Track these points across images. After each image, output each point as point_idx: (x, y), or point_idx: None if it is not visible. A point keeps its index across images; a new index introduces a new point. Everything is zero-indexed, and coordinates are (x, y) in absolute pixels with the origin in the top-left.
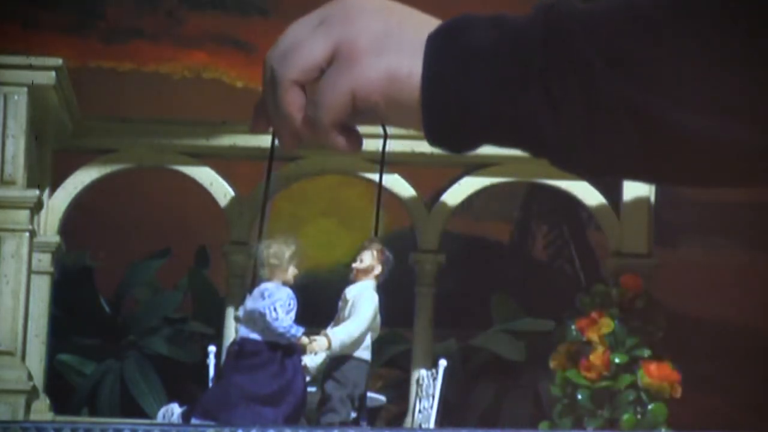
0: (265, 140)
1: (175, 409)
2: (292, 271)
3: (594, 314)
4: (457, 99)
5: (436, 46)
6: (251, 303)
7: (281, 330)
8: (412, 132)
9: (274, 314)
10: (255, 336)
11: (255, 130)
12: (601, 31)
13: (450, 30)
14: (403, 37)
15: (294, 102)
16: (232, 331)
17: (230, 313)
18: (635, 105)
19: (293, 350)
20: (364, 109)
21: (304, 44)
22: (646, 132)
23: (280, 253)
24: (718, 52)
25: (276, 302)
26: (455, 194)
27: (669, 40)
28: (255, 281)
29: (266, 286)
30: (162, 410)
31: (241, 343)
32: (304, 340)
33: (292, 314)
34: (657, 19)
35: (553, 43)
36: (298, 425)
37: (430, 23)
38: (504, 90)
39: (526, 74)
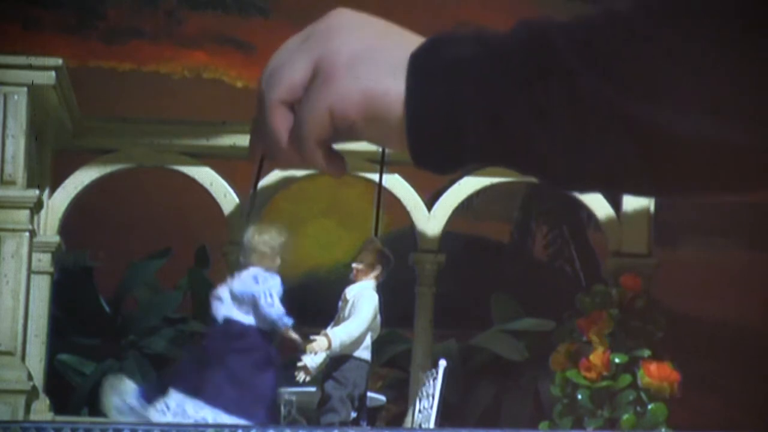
0: None
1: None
2: (277, 261)
3: (594, 314)
4: (442, 114)
5: (419, 63)
6: (240, 285)
7: (274, 317)
8: None
9: (269, 300)
10: (241, 319)
11: (252, 155)
12: (584, 40)
13: (433, 46)
14: (383, 55)
15: (280, 121)
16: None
17: None
18: (624, 112)
19: (273, 338)
20: (343, 128)
21: (287, 64)
22: (638, 139)
23: (272, 242)
24: (701, 56)
25: (271, 288)
26: (455, 194)
27: (652, 46)
28: (240, 264)
29: (257, 272)
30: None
31: (225, 324)
32: (297, 337)
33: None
34: (639, 25)
35: (538, 54)
36: (298, 425)
37: (412, 41)
38: (490, 104)
39: (512, 87)
